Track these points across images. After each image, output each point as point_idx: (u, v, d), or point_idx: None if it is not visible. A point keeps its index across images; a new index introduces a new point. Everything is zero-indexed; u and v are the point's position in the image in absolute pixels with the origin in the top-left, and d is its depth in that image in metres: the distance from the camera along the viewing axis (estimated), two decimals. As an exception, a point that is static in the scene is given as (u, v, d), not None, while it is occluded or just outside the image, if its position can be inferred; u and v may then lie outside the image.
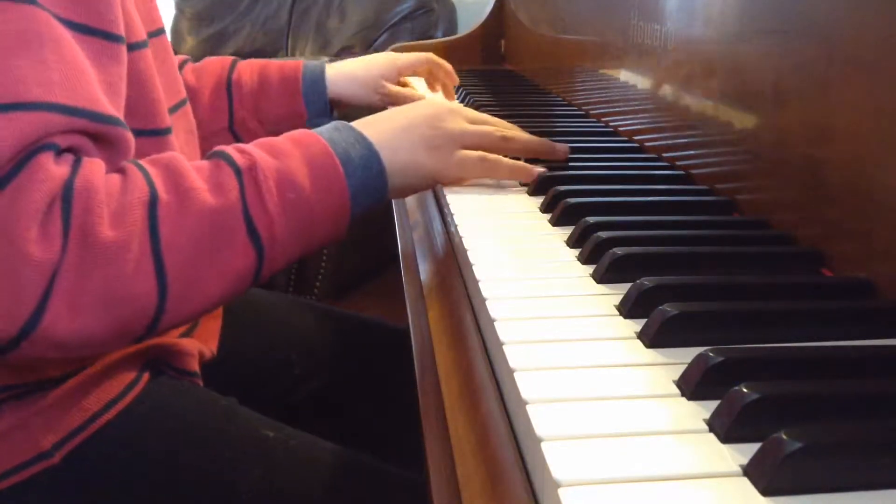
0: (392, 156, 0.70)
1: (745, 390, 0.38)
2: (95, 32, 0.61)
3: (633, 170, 0.86)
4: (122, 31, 0.63)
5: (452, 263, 0.67)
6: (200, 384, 0.78)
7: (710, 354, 0.42)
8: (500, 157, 0.78)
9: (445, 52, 1.78)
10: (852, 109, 0.56)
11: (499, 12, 1.84)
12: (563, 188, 0.73)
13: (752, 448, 0.36)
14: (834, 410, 0.39)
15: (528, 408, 0.41)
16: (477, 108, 1.05)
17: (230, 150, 0.64)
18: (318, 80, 1.08)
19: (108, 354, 0.70)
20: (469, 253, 0.61)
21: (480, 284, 0.56)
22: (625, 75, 1.03)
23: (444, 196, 0.76)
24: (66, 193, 0.55)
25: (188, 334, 0.79)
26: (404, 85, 1.17)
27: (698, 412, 0.41)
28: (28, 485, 0.66)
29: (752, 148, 0.71)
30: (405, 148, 0.71)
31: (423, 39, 2.04)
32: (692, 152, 0.82)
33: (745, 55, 0.72)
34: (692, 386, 0.42)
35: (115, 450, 0.69)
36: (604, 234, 0.61)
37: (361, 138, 0.69)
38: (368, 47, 2.39)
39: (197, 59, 1.09)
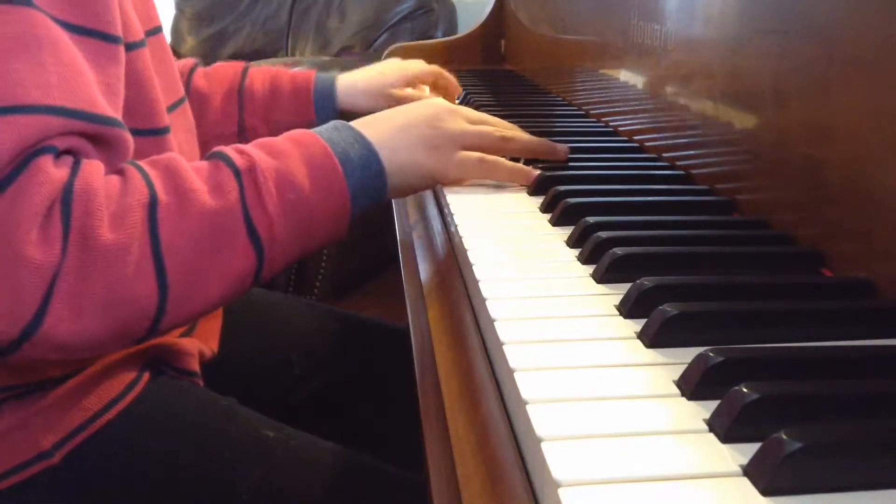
0: (391, 155, 0.70)
1: (745, 390, 0.38)
2: (93, 33, 0.61)
3: (633, 170, 0.86)
4: (119, 31, 0.63)
5: (452, 263, 0.67)
6: (201, 384, 0.78)
7: (710, 354, 0.42)
8: (499, 158, 0.78)
9: (445, 52, 1.78)
10: (852, 109, 0.56)
11: (499, 12, 1.83)
12: (563, 188, 0.73)
13: (752, 448, 0.36)
14: (834, 410, 0.39)
15: (528, 408, 0.41)
16: (477, 109, 1.05)
17: (229, 150, 0.64)
18: (329, 91, 1.09)
19: (108, 355, 0.70)
20: (469, 253, 0.61)
21: (480, 284, 0.56)
22: (625, 75, 1.03)
23: (444, 196, 0.76)
24: (66, 196, 0.55)
25: (188, 334, 0.79)
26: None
27: (698, 412, 0.41)
28: (28, 485, 0.66)
29: (752, 148, 0.71)
30: (404, 148, 0.71)
31: (422, 39, 2.04)
32: (692, 152, 0.82)
33: (745, 55, 0.72)
34: (692, 386, 0.42)
35: (115, 450, 0.69)
36: (604, 234, 0.61)
37: (360, 138, 0.69)
38: (368, 47, 2.39)
39: (197, 59, 1.09)
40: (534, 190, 0.78)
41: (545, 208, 0.73)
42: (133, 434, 0.70)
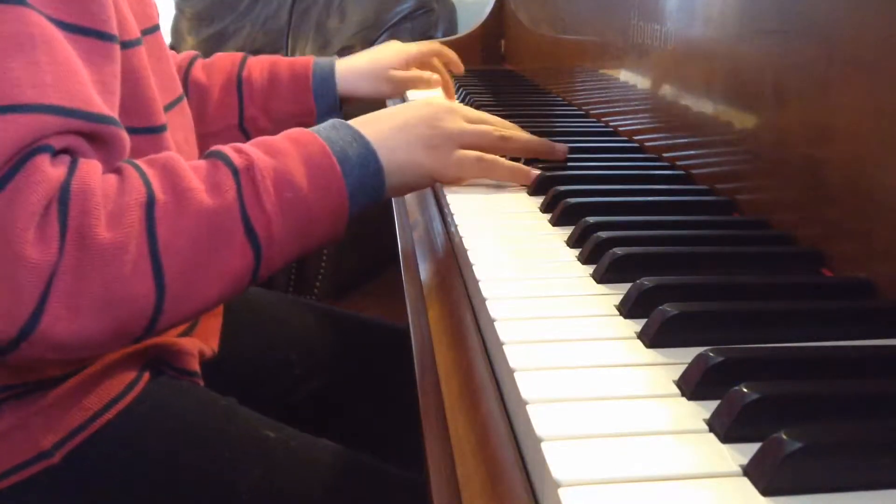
0: (390, 155, 0.69)
1: (745, 390, 0.38)
2: (88, 32, 0.61)
3: (633, 170, 0.86)
4: (114, 29, 0.63)
5: (452, 263, 0.67)
6: (201, 384, 0.78)
7: (710, 354, 0.42)
8: (498, 157, 0.78)
9: (445, 52, 1.77)
10: (852, 109, 0.56)
11: (499, 12, 1.83)
12: (563, 188, 0.73)
13: (752, 448, 0.36)
14: (834, 410, 0.39)
15: (528, 408, 0.41)
16: (477, 108, 1.05)
17: (227, 149, 0.64)
18: (328, 77, 1.08)
19: (107, 354, 0.70)
20: (469, 253, 0.61)
21: (480, 284, 0.56)
22: (625, 75, 1.03)
23: (444, 196, 0.76)
24: (63, 195, 0.55)
25: (188, 333, 0.79)
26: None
27: (698, 412, 0.41)
28: (28, 484, 0.66)
29: (752, 148, 0.71)
30: (403, 147, 0.71)
31: (422, 39, 2.03)
32: (692, 152, 0.82)
33: (745, 55, 0.72)
34: (692, 386, 0.42)
35: (115, 450, 0.69)
36: (604, 234, 0.61)
37: (359, 136, 0.69)
38: (368, 47, 2.39)
39: (197, 52, 1.09)
40: (534, 190, 0.78)
41: (545, 208, 0.73)
42: (133, 434, 0.70)
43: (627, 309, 0.51)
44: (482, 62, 1.83)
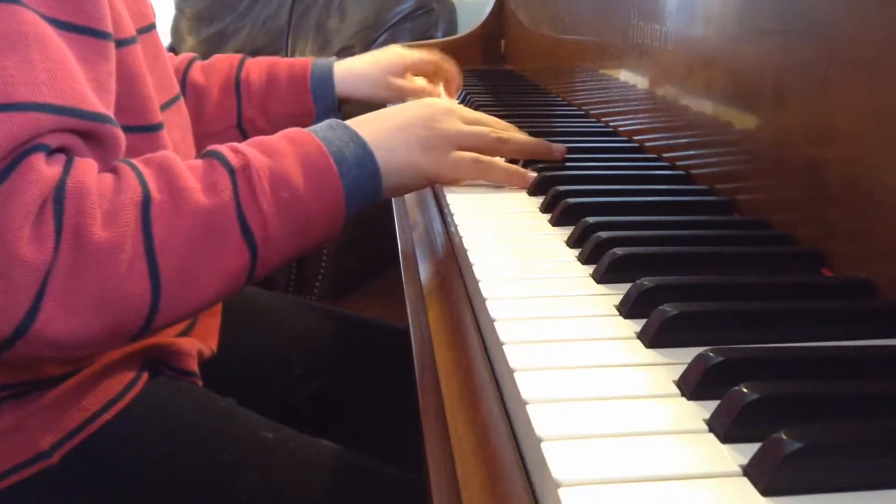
0: (386, 155, 0.69)
1: (745, 390, 0.38)
2: (82, 30, 0.61)
3: (633, 170, 0.86)
4: (109, 27, 0.63)
5: (452, 263, 0.67)
6: (200, 384, 0.78)
7: (710, 354, 0.42)
8: (495, 159, 0.78)
9: (445, 52, 1.77)
10: (852, 110, 0.56)
11: (499, 12, 1.83)
12: (562, 188, 0.73)
13: (752, 448, 0.36)
14: (834, 410, 0.39)
15: (528, 408, 0.41)
16: (476, 109, 1.05)
17: (224, 149, 0.64)
18: (326, 78, 1.08)
19: (106, 354, 0.70)
20: (469, 253, 0.61)
21: (480, 284, 0.56)
22: (625, 75, 1.03)
23: (444, 196, 0.76)
24: (58, 194, 0.55)
25: (187, 333, 0.79)
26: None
27: (698, 412, 0.40)
28: (27, 485, 0.66)
29: (752, 148, 0.71)
30: (400, 148, 0.71)
31: (422, 39, 2.03)
32: (692, 152, 0.82)
33: (745, 55, 0.72)
34: (692, 386, 0.42)
35: (113, 450, 0.69)
36: (604, 234, 0.61)
37: (356, 137, 0.69)
38: (368, 47, 2.39)
39: (195, 54, 1.09)
40: (534, 190, 0.78)
41: (545, 208, 0.73)
42: (132, 434, 0.70)
43: (627, 309, 0.51)
44: (482, 62, 1.83)
